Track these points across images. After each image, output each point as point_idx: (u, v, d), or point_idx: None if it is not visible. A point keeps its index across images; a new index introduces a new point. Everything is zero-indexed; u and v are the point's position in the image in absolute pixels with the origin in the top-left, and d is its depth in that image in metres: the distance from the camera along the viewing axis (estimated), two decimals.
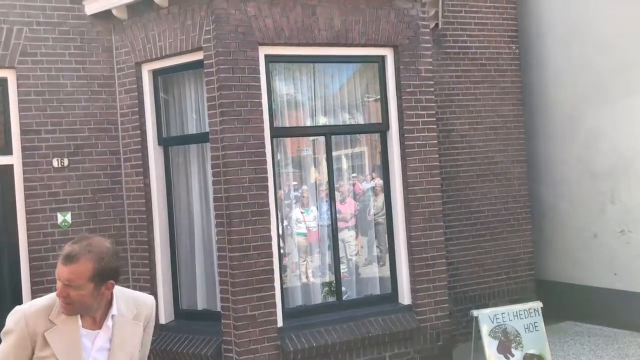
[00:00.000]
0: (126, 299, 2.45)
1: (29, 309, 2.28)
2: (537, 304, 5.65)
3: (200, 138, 5.72)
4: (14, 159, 5.69)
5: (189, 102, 5.91)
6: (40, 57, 5.72)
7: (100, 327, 2.35)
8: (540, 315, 5.58)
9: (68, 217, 5.73)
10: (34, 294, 5.55)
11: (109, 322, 2.37)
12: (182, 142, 5.95)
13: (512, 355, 5.39)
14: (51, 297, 2.31)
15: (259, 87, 5.32)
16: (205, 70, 5.33)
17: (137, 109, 5.81)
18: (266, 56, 5.44)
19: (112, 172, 5.91)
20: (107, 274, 2.27)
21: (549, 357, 5.44)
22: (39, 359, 2.24)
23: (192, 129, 5.90)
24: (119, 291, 2.42)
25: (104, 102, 5.91)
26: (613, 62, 7.16)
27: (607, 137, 7.29)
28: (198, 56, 5.43)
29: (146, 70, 5.84)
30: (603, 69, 7.28)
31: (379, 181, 6.15)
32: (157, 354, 5.64)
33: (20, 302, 5.62)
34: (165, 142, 5.93)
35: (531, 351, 5.42)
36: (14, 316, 2.26)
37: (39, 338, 2.23)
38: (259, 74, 5.33)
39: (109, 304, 2.38)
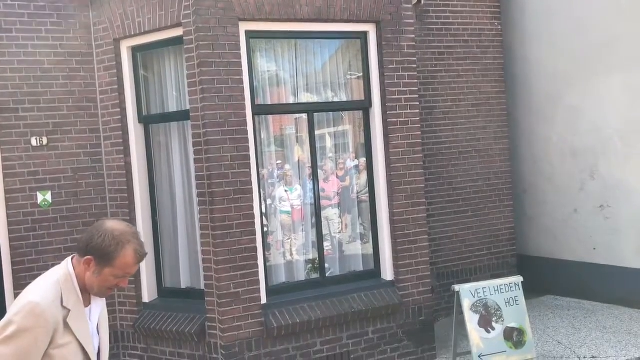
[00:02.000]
0: None
1: (45, 301, 2.13)
2: (518, 279, 5.72)
3: (181, 116, 5.66)
4: None
5: (169, 79, 5.84)
6: (15, 34, 5.60)
7: (89, 303, 2.36)
8: (521, 289, 5.66)
9: (48, 196, 5.67)
10: (15, 274, 5.51)
11: (96, 298, 2.38)
12: (162, 120, 5.89)
13: (493, 329, 5.47)
14: (54, 282, 2.23)
15: (239, 64, 5.26)
16: (185, 47, 5.26)
17: (116, 86, 5.73)
18: (247, 32, 5.37)
19: (92, 150, 5.85)
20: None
21: (529, 330, 5.54)
22: (59, 347, 2.15)
23: (172, 106, 5.84)
24: None
25: (83, 79, 5.82)
26: (593, 40, 7.19)
27: (586, 114, 7.35)
28: (177, 32, 5.35)
29: (125, 47, 5.74)
30: (583, 46, 7.31)
31: (362, 159, 6.15)
32: (141, 332, 5.65)
33: (1, 282, 5.62)
34: (145, 120, 5.86)
35: (511, 325, 5.51)
36: (34, 312, 2.10)
37: (60, 327, 2.16)
38: (239, 50, 5.26)
39: None
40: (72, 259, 2.31)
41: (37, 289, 2.20)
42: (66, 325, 2.18)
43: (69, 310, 2.20)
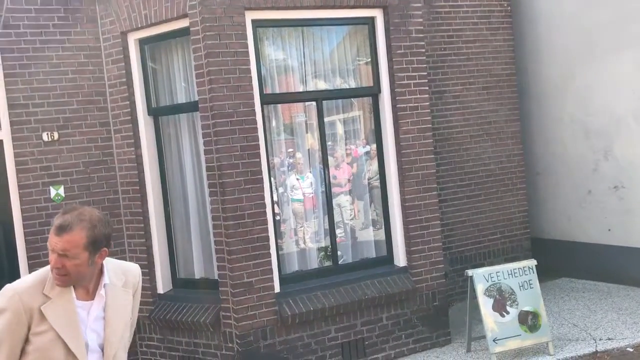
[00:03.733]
0: (114, 268, 2.48)
1: (20, 285, 2.25)
2: (532, 262, 5.69)
3: (190, 107, 5.66)
4: (4, 134, 5.64)
5: (177, 70, 5.84)
6: (23, 30, 5.61)
7: (93, 298, 2.37)
8: (535, 273, 5.63)
9: (61, 190, 5.72)
10: (31, 269, 5.57)
11: (101, 291, 2.39)
12: (172, 111, 5.90)
13: (507, 313, 5.45)
14: (42, 271, 2.30)
15: (247, 54, 5.25)
16: (192, 38, 5.25)
17: (125, 79, 5.74)
18: (253, 21, 5.34)
19: (103, 144, 5.87)
20: (100, 241, 2.29)
21: (544, 313, 5.51)
22: (36, 334, 2.21)
23: (181, 98, 5.84)
24: (106, 261, 2.43)
25: (91, 73, 5.83)
26: (604, 18, 7.07)
27: (598, 94, 7.24)
28: (184, 23, 5.34)
29: (132, 40, 5.74)
30: (594, 24, 7.19)
31: (372, 146, 6.13)
32: (157, 323, 5.71)
33: (17, 277, 5.68)
34: (155, 112, 5.87)
35: (526, 308, 5.48)
36: (6, 295, 2.22)
37: (35, 313, 2.20)
38: (246, 39, 5.24)
39: (100, 273, 2.40)
40: None
41: (25, 276, 2.33)
42: (41, 313, 2.21)
43: (49, 299, 2.23)
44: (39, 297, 2.22)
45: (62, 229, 2.22)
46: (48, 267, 2.29)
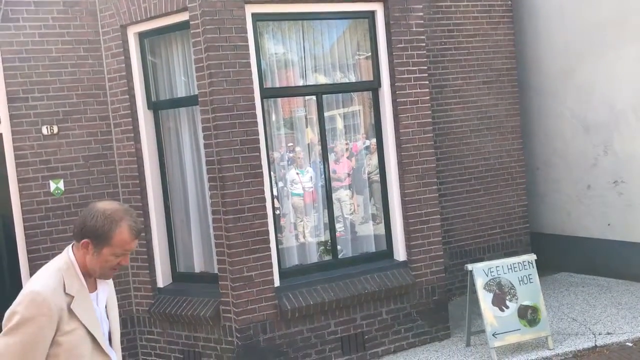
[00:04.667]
0: None
1: (46, 289, 2.15)
2: (531, 257, 5.70)
3: (190, 101, 5.65)
4: (3, 128, 5.63)
5: (177, 64, 5.82)
6: (23, 23, 5.59)
7: (95, 289, 2.38)
8: (535, 267, 5.63)
9: (61, 184, 5.71)
10: (31, 262, 5.59)
11: (102, 282, 2.41)
12: (171, 105, 5.89)
13: (507, 307, 5.46)
14: (55, 271, 2.25)
15: (247, 47, 5.23)
16: (192, 31, 5.23)
17: (124, 73, 5.72)
18: (253, 15, 5.33)
19: (102, 138, 5.86)
20: None
21: (543, 307, 5.52)
22: (65, 334, 2.17)
23: (181, 92, 5.83)
24: None
25: (91, 67, 5.82)
26: (605, 13, 7.05)
27: (599, 89, 7.24)
28: (184, 17, 5.32)
29: (132, 33, 5.73)
30: (593, 19, 7.18)
31: (372, 140, 6.12)
32: (156, 317, 5.71)
33: (17, 271, 5.70)
34: (154, 106, 5.86)
35: (525, 303, 5.49)
36: (36, 300, 2.11)
37: (64, 314, 2.17)
38: (246, 33, 5.23)
39: None
40: (72, 246, 2.32)
41: (38, 279, 2.22)
42: (71, 312, 2.20)
43: (73, 297, 2.21)
44: (64, 297, 2.20)
45: (139, 233, 2.32)
46: (56, 266, 2.26)
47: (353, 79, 6.04)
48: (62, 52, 5.72)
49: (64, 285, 2.21)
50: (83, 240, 2.25)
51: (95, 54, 5.82)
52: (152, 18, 5.51)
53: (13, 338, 2.09)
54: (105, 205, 2.28)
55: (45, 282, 2.19)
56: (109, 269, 2.31)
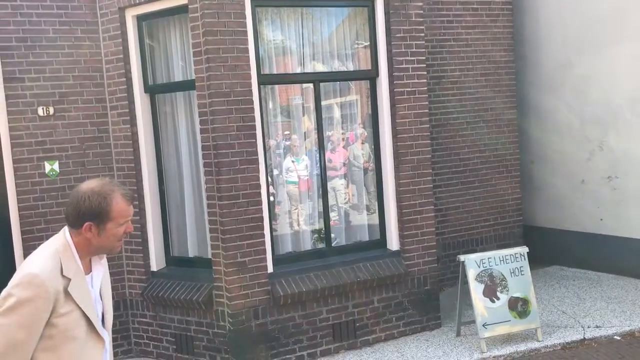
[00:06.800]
0: None
1: (44, 270, 2.15)
2: (523, 249, 5.74)
3: (187, 85, 5.64)
4: None
5: (175, 48, 5.80)
6: (20, 2, 5.55)
7: (90, 270, 2.38)
8: (526, 259, 5.67)
9: (56, 166, 5.70)
10: (25, 243, 5.59)
11: (103, 260, 2.43)
12: (168, 89, 5.87)
13: (498, 299, 5.51)
14: (52, 253, 2.24)
15: (245, 33, 5.21)
16: (190, 15, 5.21)
17: (122, 55, 5.70)
18: (252, 0, 5.30)
19: (98, 120, 5.85)
20: None
21: (534, 300, 5.57)
22: (61, 316, 2.17)
23: (178, 76, 5.81)
24: None
25: (88, 49, 5.79)
26: (604, 7, 7.05)
27: (596, 84, 7.25)
28: (183, 1, 5.29)
29: (130, 16, 5.69)
30: (593, 14, 7.18)
31: (369, 130, 6.12)
32: (150, 300, 5.74)
33: (11, 252, 5.70)
34: (151, 90, 5.85)
35: (516, 294, 5.54)
36: (34, 282, 2.11)
37: (60, 296, 2.17)
38: (245, 19, 5.21)
39: None
40: (67, 229, 2.31)
41: (35, 260, 2.21)
42: (67, 294, 2.19)
43: (70, 279, 2.21)
44: (61, 280, 2.19)
45: (132, 198, 2.37)
46: (53, 247, 2.25)
47: (351, 67, 6.03)
48: (59, 33, 5.69)
49: (62, 267, 2.21)
50: (85, 225, 2.25)
51: (92, 35, 5.79)
52: (150, 1, 5.49)
53: (8, 319, 2.09)
54: (90, 185, 2.29)
55: (43, 264, 2.18)
56: (117, 241, 2.34)
